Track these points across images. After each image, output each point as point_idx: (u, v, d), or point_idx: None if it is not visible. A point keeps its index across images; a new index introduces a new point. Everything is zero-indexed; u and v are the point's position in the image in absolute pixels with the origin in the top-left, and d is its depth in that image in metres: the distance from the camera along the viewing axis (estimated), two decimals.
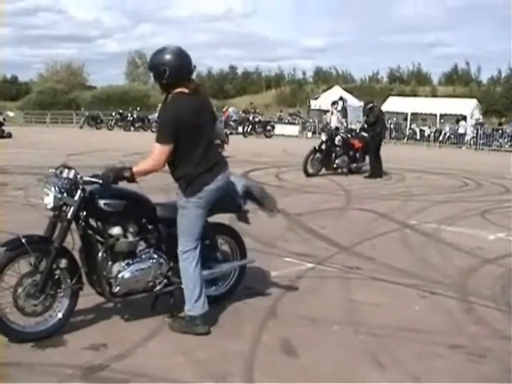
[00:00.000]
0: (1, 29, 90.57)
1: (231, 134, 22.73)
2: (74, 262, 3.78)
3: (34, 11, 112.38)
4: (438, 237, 7.07)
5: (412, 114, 31.27)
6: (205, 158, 3.86)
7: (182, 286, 3.97)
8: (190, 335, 3.83)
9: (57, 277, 3.71)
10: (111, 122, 31.64)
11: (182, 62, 3.79)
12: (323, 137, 13.51)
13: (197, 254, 3.90)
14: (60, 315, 3.78)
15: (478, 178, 13.40)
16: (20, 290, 3.58)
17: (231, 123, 29.43)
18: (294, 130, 30.91)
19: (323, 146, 13.18)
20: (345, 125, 15.60)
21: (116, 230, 3.86)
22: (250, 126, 28.55)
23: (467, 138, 27.33)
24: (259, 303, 4.52)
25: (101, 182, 3.69)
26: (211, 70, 60.38)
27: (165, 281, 4.10)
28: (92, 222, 3.87)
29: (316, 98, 35.44)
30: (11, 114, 34.68)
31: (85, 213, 3.77)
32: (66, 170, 3.78)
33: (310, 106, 34.50)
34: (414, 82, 50.97)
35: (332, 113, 15.60)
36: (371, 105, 13.95)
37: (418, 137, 29.00)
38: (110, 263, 3.87)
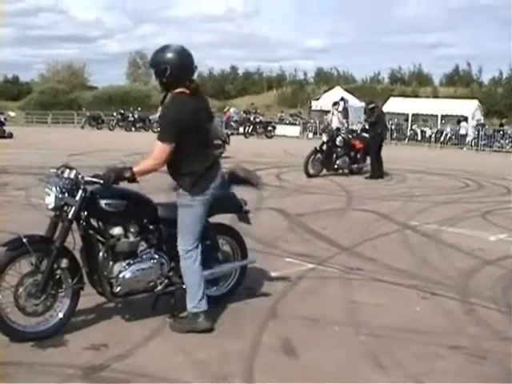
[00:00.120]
0: (2, 29, 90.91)
1: (232, 134, 22.68)
2: (75, 261, 3.79)
3: (35, 11, 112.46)
4: (438, 238, 7.06)
5: (413, 114, 31.26)
6: (206, 157, 3.90)
7: (184, 286, 3.98)
8: (191, 335, 3.83)
9: (58, 277, 3.72)
10: (112, 123, 31.66)
11: (183, 62, 3.79)
12: (324, 137, 13.49)
13: (198, 252, 3.93)
14: (61, 315, 3.78)
15: (479, 178, 13.39)
16: (21, 289, 3.59)
17: (232, 124, 29.46)
18: (295, 130, 30.85)
19: (324, 147, 13.18)
20: (346, 125, 15.60)
21: (117, 230, 3.87)
22: (251, 127, 28.53)
23: (468, 138, 27.29)
24: (260, 303, 4.52)
25: (102, 182, 3.70)
26: (212, 71, 60.62)
27: (166, 281, 4.10)
28: (93, 222, 3.88)
29: (317, 99, 35.42)
30: (12, 114, 34.66)
31: (86, 213, 3.78)
32: (67, 170, 3.79)
33: (311, 107, 34.44)
34: (415, 83, 50.96)
35: (333, 113, 15.59)
36: (372, 105, 13.95)
37: (419, 138, 28.93)
38: (110, 263, 3.88)
